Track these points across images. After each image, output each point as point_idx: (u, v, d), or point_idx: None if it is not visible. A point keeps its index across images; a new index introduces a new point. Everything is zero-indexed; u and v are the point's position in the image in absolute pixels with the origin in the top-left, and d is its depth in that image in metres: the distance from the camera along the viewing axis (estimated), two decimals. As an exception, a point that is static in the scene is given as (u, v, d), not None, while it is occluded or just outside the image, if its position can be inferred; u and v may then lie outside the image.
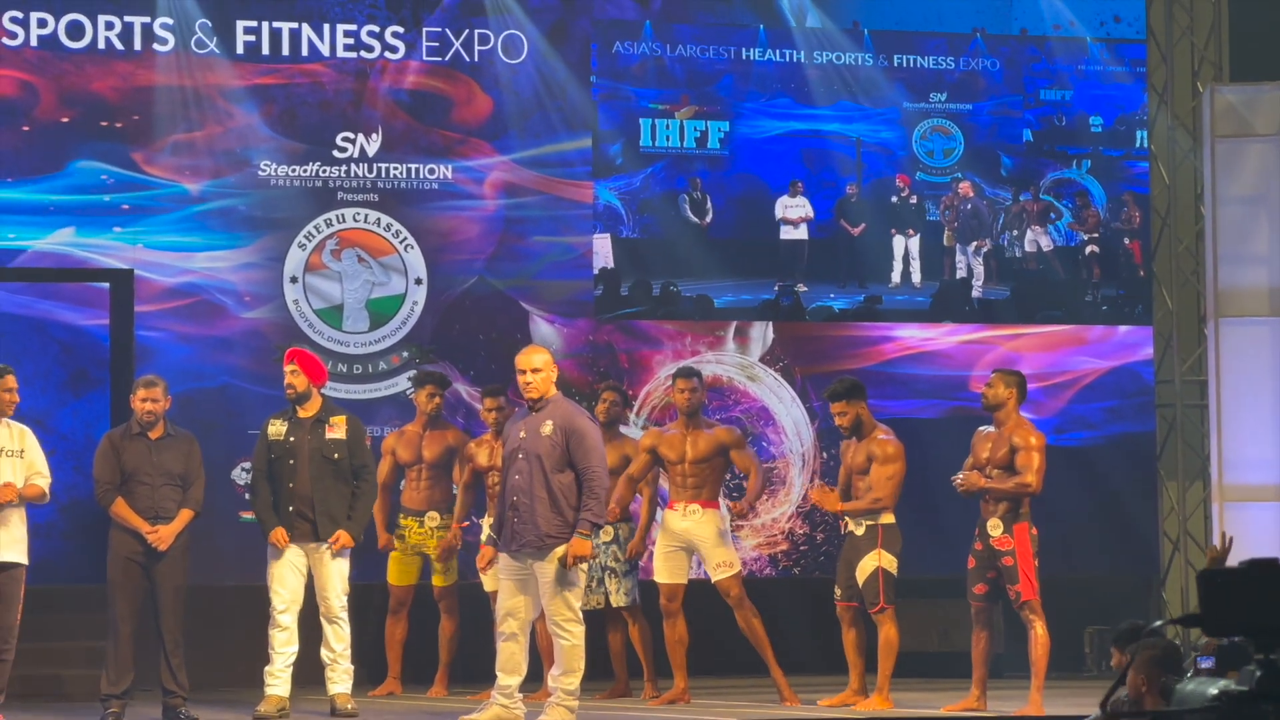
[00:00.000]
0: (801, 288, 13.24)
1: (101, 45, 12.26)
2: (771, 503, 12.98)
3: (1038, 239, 13.58)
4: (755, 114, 13.26)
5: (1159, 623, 5.48)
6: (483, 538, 11.09)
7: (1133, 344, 13.60)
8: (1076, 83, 13.65)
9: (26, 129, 12.17)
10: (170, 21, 12.35)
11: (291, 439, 10.23)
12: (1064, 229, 13.63)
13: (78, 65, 12.25)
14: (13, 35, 12.18)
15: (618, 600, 11.01)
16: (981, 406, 10.32)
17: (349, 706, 10.28)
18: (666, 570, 10.78)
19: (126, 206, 12.22)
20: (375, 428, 11.84)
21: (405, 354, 12.61)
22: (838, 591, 10.43)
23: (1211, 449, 12.71)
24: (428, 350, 12.63)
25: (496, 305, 12.72)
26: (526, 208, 12.80)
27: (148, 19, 12.32)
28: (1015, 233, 13.56)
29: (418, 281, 12.65)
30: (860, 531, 10.32)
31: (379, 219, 12.62)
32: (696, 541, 10.73)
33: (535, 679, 10.13)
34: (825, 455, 12.95)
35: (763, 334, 13.14)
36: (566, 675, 9.10)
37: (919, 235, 13.43)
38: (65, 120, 12.21)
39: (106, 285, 12.21)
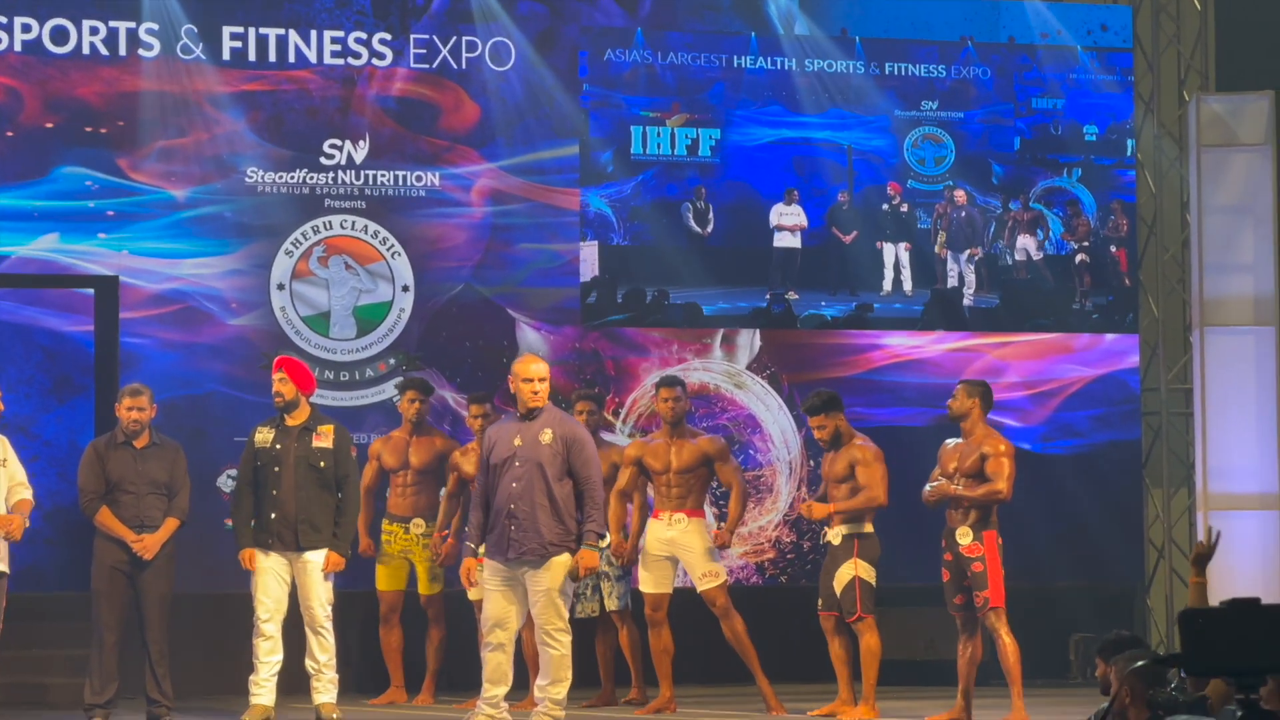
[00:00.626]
0: (793, 296, 13.23)
1: (86, 50, 12.22)
2: (758, 511, 12.98)
3: (1027, 247, 13.57)
4: (746, 122, 13.26)
5: (1141, 663, 5.45)
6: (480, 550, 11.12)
7: (1119, 352, 13.61)
8: (1068, 91, 13.67)
9: (10, 134, 12.13)
10: (156, 27, 12.31)
11: (278, 446, 10.21)
12: (1055, 238, 13.63)
13: (62, 70, 12.21)
14: (-3, 40, 12.15)
15: (610, 604, 11.00)
16: (948, 417, 10.35)
17: (334, 716, 10.24)
18: (652, 580, 10.77)
19: (111, 213, 12.18)
20: (362, 435, 11.83)
21: (392, 361, 12.59)
22: (819, 602, 10.45)
23: (1196, 457, 12.73)
24: (414, 357, 12.60)
25: (483, 312, 12.71)
26: (513, 215, 12.78)
27: (133, 24, 12.27)
28: (1006, 241, 13.54)
29: (405, 288, 12.63)
30: (837, 541, 10.34)
31: (366, 226, 12.60)
32: (682, 551, 10.73)
33: (521, 687, 10.10)
34: (812, 463, 12.94)
35: (750, 341, 13.14)
36: (555, 685, 9.09)
37: (911, 245, 13.40)
38: (50, 126, 12.17)
39: (91, 292, 12.17)
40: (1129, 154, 13.73)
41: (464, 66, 12.76)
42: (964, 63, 13.55)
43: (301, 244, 12.52)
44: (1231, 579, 11.78)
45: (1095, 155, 13.70)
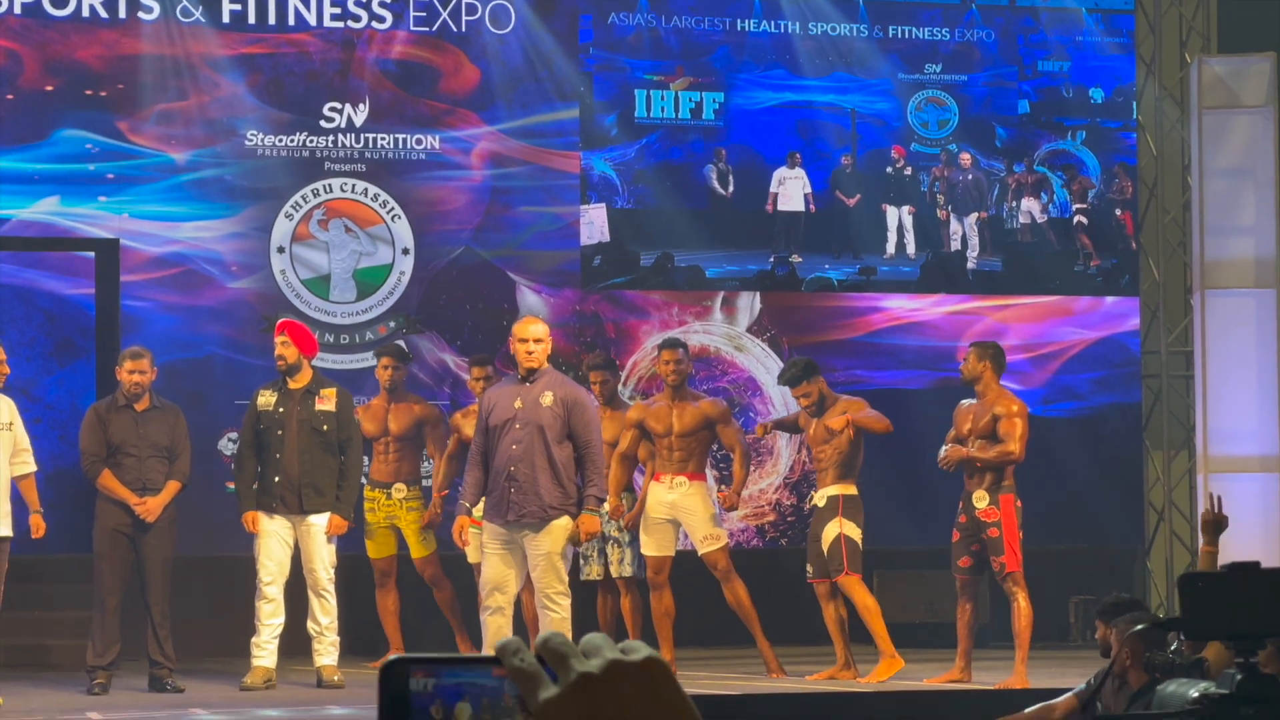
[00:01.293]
0: (796, 259, 13.21)
1: (86, 13, 12.16)
2: (759, 474, 12.95)
3: (1031, 210, 13.54)
4: (750, 85, 13.20)
5: (1141, 626, 5.47)
6: (477, 512, 11.06)
7: (1119, 315, 13.59)
8: (1074, 54, 13.60)
9: (10, 98, 12.08)
10: (155, -11, 12.26)
11: (281, 410, 10.24)
12: (1060, 201, 13.61)
13: (62, 34, 12.15)
14: (-3, 4, 12.10)
15: (620, 570, 10.96)
16: (960, 381, 10.37)
17: (336, 678, 10.32)
18: (653, 543, 10.77)
19: (112, 176, 12.14)
20: (362, 398, 11.78)
21: (392, 324, 12.56)
22: (809, 569, 10.49)
23: (1197, 420, 12.70)
24: (414, 320, 12.59)
25: (483, 275, 12.67)
26: (514, 178, 12.74)
27: (133, -13, 12.22)
28: (1013, 204, 13.52)
29: (405, 251, 12.60)
30: (822, 503, 10.41)
31: (366, 189, 12.56)
32: (683, 514, 10.74)
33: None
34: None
35: (750, 304, 13.12)
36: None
37: (915, 208, 13.37)
38: (49, 89, 12.12)
39: (92, 255, 12.15)
40: (1134, 116, 13.68)
41: (464, 29, 12.69)
42: (968, 25, 13.49)
43: (301, 207, 12.49)
44: (1232, 542, 11.67)
45: (1101, 118, 13.65)
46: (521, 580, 9.27)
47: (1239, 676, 3.47)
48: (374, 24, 12.58)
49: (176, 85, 12.27)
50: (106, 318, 12.03)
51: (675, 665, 10.78)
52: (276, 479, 10.20)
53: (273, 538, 10.20)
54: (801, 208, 13.24)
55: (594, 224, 12.86)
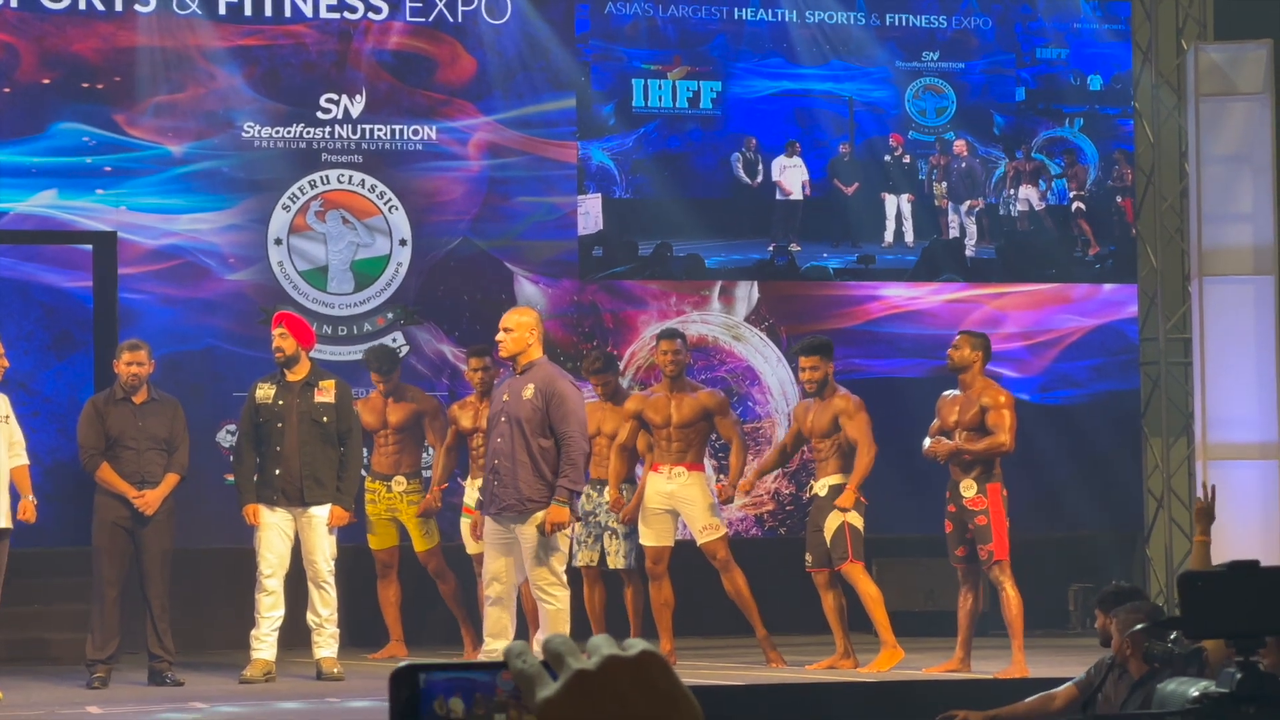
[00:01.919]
0: (795, 248, 13.20)
1: (82, 6, 12.14)
2: (757, 464, 12.94)
3: (1029, 198, 13.53)
4: (747, 74, 13.19)
5: (1140, 626, 5.49)
6: (467, 500, 11.11)
7: (1117, 302, 13.58)
8: (1072, 41, 13.58)
9: (7, 91, 12.07)
10: (152, -18, 12.23)
11: (280, 402, 10.24)
12: (1057, 187, 13.59)
13: (59, 26, 12.14)
14: (-8, -3, 12.08)
15: (616, 562, 10.96)
16: (947, 368, 10.37)
17: (335, 670, 10.32)
18: (652, 533, 10.78)
19: (109, 168, 12.13)
20: (361, 389, 11.77)
21: (390, 315, 12.56)
22: (808, 558, 10.49)
23: (1195, 407, 12.68)
24: (412, 311, 12.59)
25: (481, 266, 12.66)
26: (511, 168, 12.73)
27: (129, -21, 12.19)
28: (1011, 191, 13.51)
29: (402, 243, 12.58)
30: (824, 492, 10.41)
31: (363, 180, 12.56)
32: (682, 504, 10.74)
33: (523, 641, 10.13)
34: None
35: (748, 294, 13.12)
36: (553, 639, 9.12)
37: (914, 196, 13.36)
38: (46, 82, 12.11)
39: (89, 247, 12.13)
40: (1132, 104, 13.67)
41: (460, 20, 12.68)
42: (965, 13, 13.48)
43: (299, 199, 12.48)
44: (1231, 529, 11.77)
45: (1100, 105, 13.63)
46: (520, 571, 9.29)
47: (1239, 675, 3.47)
48: (370, 15, 12.57)
49: (173, 78, 12.26)
50: (104, 310, 12.02)
51: (675, 655, 10.80)
52: (277, 471, 10.20)
53: (273, 530, 10.20)
54: (800, 196, 13.20)
55: (589, 214, 12.84)
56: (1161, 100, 13.61)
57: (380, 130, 12.55)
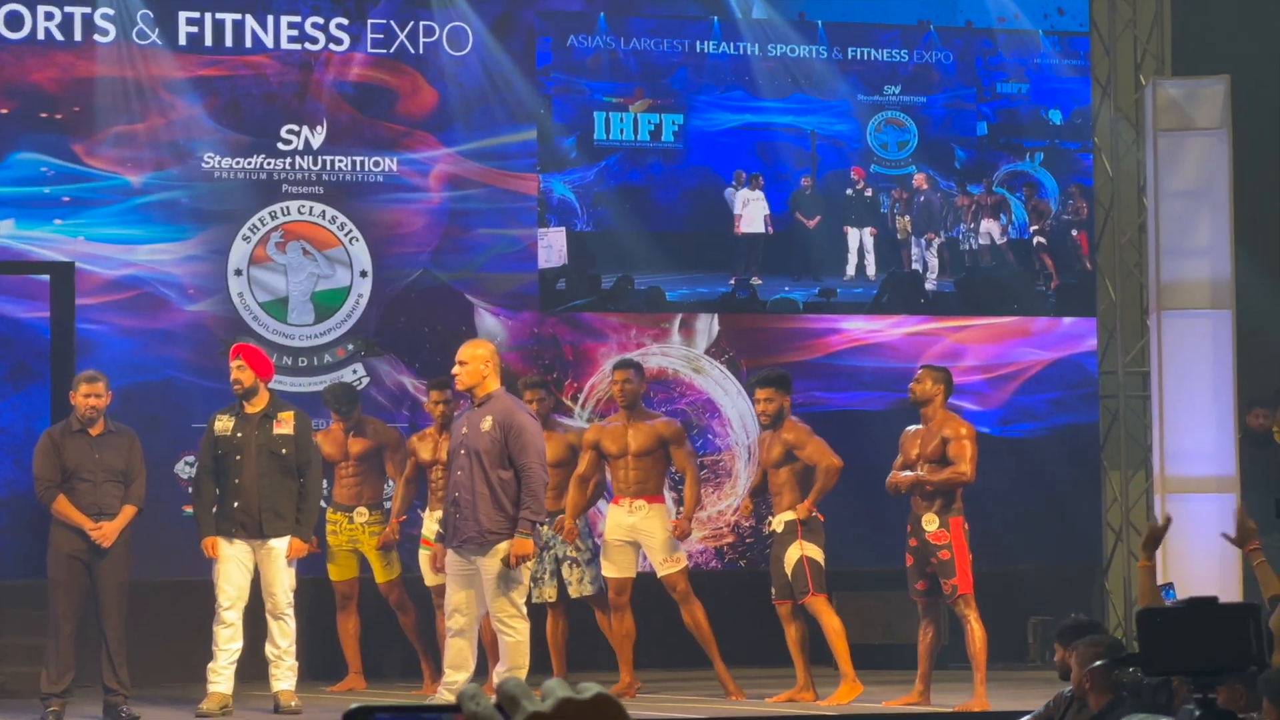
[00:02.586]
0: (757, 281, 13.21)
1: (41, 36, 12.11)
2: (717, 495, 12.95)
3: (991, 231, 13.56)
4: (709, 107, 13.20)
5: (1100, 663, 5.50)
6: (425, 532, 11.10)
7: (1076, 335, 13.60)
8: (1032, 75, 13.63)
9: (-35, 121, 12.03)
10: (111, 12, 12.18)
11: (239, 435, 10.19)
12: (1019, 221, 13.63)
13: (17, 56, 12.10)
14: (-49, 26, 12.03)
15: (581, 590, 10.92)
16: (909, 401, 10.39)
17: (293, 704, 10.26)
18: (614, 565, 10.77)
19: (67, 199, 12.08)
20: (321, 420, 11.75)
21: (350, 347, 12.52)
22: (773, 591, 10.48)
23: (1154, 440, 12.68)
24: (372, 343, 12.55)
25: (441, 298, 12.64)
26: (471, 200, 12.71)
27: (88, 9, 12.15)
28: (970, 225, 13.55)
29: (363, 274, 12.56)
30: (780, 528, 10.40)
31: (324, 211, 12.52)
32: (643, 536, 10.74)
33: (483, 672, 10.11)
34: None
35: (708, 326, 13.10)
36: (511, 671, 9.09)
37: (876, 230, 13.38)
38: (4, 111, 12.05)
39: (47, 278, 12.04)
40: (1092, 138, 13.73)
41: (421, 51, 12.67)
42: (926, 47, 13.51)
43: (259, 229, 12.45)
44: (1189, 562, 11.82)
45: (1060, 139, 13.67)
46: (481, 603, 9.28)
47: (1197, 713, 3.46)
48: (331, 46, 12.55)
49: (132, 108, 12.21)
50: (62, 341, 11.93)
51: (634, 688, 10.76)
52: (236, 504, 10.15)
53: (232, 563, 10.15)
54: (762, 229, 13.22)
55: (552, 247, 12.83)
56: (1120, 135, 13.65)
57: (341, 161, 12.53)
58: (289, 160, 12.45)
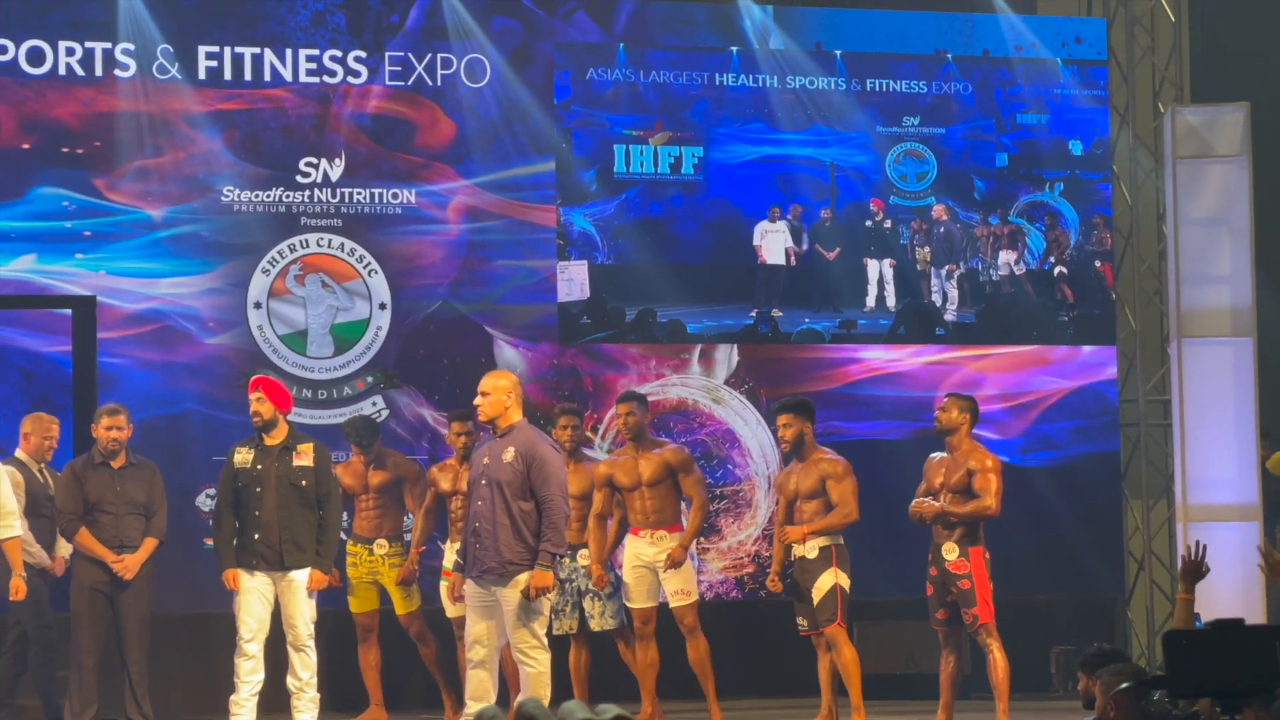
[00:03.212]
0: (777, 313, 13.20)
1: (62, 71, 12.20)
2: (737, 525, 12.91)
3: (1009, 262, 13.55)
4: (729, 139, 13.22)
5: (1125, 685, 5.45)
6: (446, 563, 11.09)
7: (1097, 364, 13.58)
8: (1052, 106, 13.63)
9: (-13, 156, 12.12)
10: (131, 47, 12.27)
11: (259, 467, 10.16)
12: (1036, 252, 13.61)
13: (38, 91, 12.18)
14: (-28, 62, 12.11)
15: (603, 624, 10.88)
16: (935, 430, 10.35)
17: (315, 736, 10.24)
18: (639, 595, 10.73)
19: (88, 233, 12.15)
20: (340, 453, 11.74)
21: (370, 379, 12.54)
22: (802, 623, 10.38)
23: (1175, 468, 12.63)
24: (392, 375, 12.55)
25: (461, 330, 12.64)
26: (490, 232, 12.72)
27: (109, 45, 12.24)
28: (989, 256, 13.53)
29: (382, 306, 12.59)
30: (813, 555, 10.29)
31: (343, 244, 12.57)
32: (660, 565, 10.68)
33: (504, 703, 10.06)
34: None
35: (728, 356, 13.10)
36: (533, 703, 9.04)
37: (896, 261, 13.37)
38: (26, 147, 12.15)
39: (69, 312, 12.12)
40: (1111, 167, 13.70)
41: (439, 83, 12.71)
42: (945, 78, 13.53)
43: (278, 262, 12.49)
44: (1212, 592, 11.71)
45: (1081, 170, 13.65)
46: (502, 634, 9.23)
47: (1224, 734, 3.43)
48: (349, 79, 12.61)
49: (153, 142, 12.28)
50: (83, 375, 12.00)
51: (659, 718, 10.69)
52: (256, 536, 10.11)
53: (253, 594, 10.11)
54: (782, 261, 13.20)
55: (573, 280, 12.82)
56: (1139, 163, 13.66)
57: (359, 194, 12.57)
58: (308, 193, 12.50)
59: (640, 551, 10.71)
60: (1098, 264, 13.66)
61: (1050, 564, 13.21)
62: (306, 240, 12.52)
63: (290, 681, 10.19)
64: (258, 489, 10.13)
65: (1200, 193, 12.57)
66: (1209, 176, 12.57)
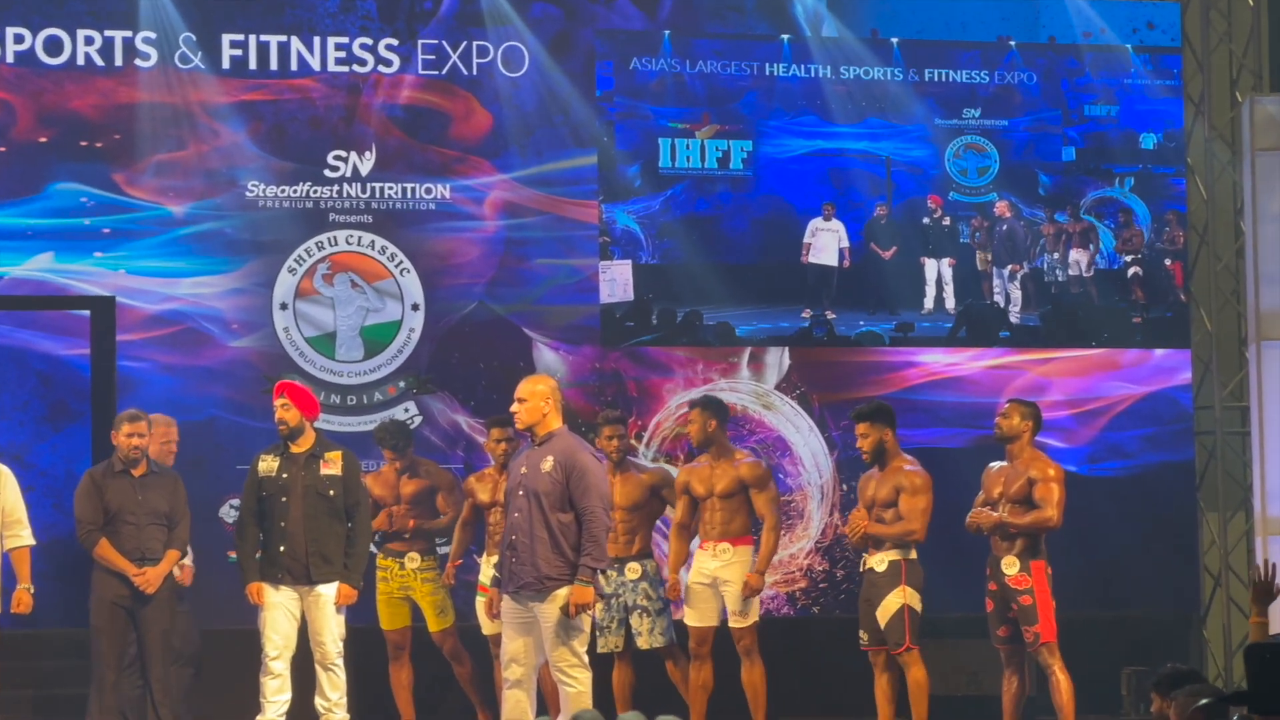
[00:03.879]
0: (831, 315, 13.06)
1: (81, 61, 12.19)
2: (789, 538, 12.76)
3: (1079, 261, 13.38)
4: (779, 132, 13.10)
5: (1204, 701, 5.23)
6: (483, 578, 11.03)
7: (1170, 368, 13.40)
8: (1122, 97, 13.51)
9: (3, 150, 12.10)
10: (153, 36, 12.27)
11: (284, 476, 10.14)
12: (1107, 250, 13.43)
13: (56, 83, 12.16)
14: (-12, 52, 12.25)
15: (651, 642, 10.75)
16: (994, 438, 10.24)
17: (345, 759, 10.33)
18: (696, 613, 10.67)
19: (108, 230, 12.12)
20: (370, 462, 11.67)
21: (402, 384, 12.45)
22: (864, 636, 10.20)
23: (1254, 478, 12.58)
24: (425, 380, 12.45)
25: (497, 331, 12.56)
26: (529, 229, 12.63)
27: (129, 33, 12.23)
28: (1056, 255, 13.31)
29: (414, 307, 12.48)
30: (882, 569, 10.11)
31: (373, 241, 12.45)
32: (722, 582, 10.58)
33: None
34: (845, 487, 12.79)
35: (778, 361, 12.97)
36: (574, 724, 8.78)
37: (955, 260, 13.25)
38: (43, 140, 12.12)
39: (87, 313, 12.08)
40: (1185, 159, 13.61)
41: (475, 73, 12.65)
42: (1008, 67, 13.40)
43: (305, 261, 12.39)
44: (1293, 609, 11.46)
45: (1152, 164, 13.52)
46: (539, 652, 9.09)
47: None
48: (380, 68, 12.56)
49: (174, 135, 12.30)
50: (102, 379, 11.98)
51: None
52: (282, 548, 10.03)
53: (278, 610, 10.03)
54: (835, 262, 13.08)
55: (616, 281, 12.72)
56: (1215, 155, 13.55)
57: (391, 189, 12.47)
58: (336, 188, 12.46)
59: (704, 565, 10.64)
60: (1168, 263, 13.53)
61: (1121, 580, 13.07)
62: (335, 238, 12.43)
63: (318, 702, 10.10)
64: (283, 499, 10.09)
65: (1280, 186, 12.59)
66: (1290, 169, 12.62)
